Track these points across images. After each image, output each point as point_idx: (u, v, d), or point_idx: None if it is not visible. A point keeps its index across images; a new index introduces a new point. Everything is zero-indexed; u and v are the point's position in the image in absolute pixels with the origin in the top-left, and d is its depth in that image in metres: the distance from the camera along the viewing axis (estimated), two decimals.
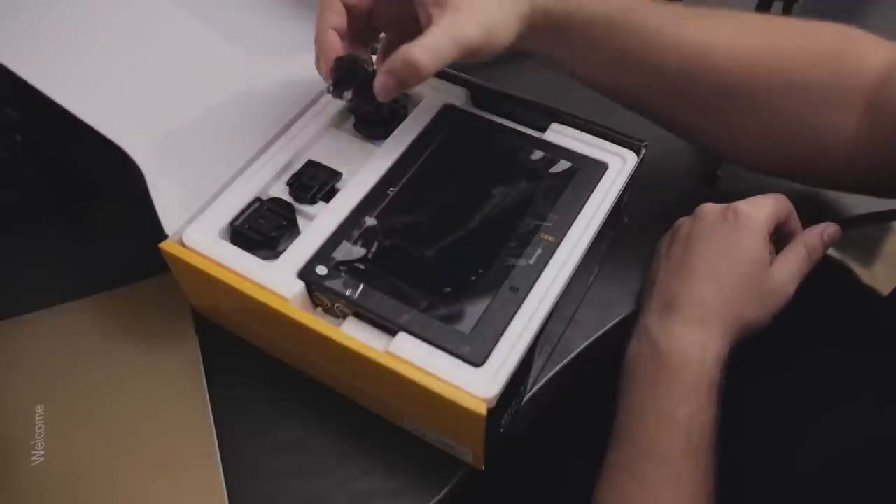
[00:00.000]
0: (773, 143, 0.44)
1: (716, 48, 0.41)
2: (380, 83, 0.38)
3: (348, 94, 0.42)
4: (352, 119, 0.48)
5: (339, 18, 0.40)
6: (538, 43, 0.43)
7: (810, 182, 0.47)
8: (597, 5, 0.41)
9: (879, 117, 0.40)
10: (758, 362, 0.45)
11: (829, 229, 0.44)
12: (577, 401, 0.49)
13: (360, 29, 0.42)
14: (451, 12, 0.36)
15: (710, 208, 0.43)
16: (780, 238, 0.44)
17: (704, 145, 0.48)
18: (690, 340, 0.40)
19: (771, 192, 0.44)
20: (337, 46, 0.40)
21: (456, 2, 0.36)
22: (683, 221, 0.45)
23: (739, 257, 0.41)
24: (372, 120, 0.47)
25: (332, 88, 0.42)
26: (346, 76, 0.41)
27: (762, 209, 0.43)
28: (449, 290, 0.38)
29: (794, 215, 0.45)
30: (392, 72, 0.37)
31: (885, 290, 0.58)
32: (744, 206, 0.43)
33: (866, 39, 0.42)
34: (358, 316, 0.38)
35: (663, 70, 0.42)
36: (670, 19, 0.42)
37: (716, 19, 0.43)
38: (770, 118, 0.42)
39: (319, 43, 0.40)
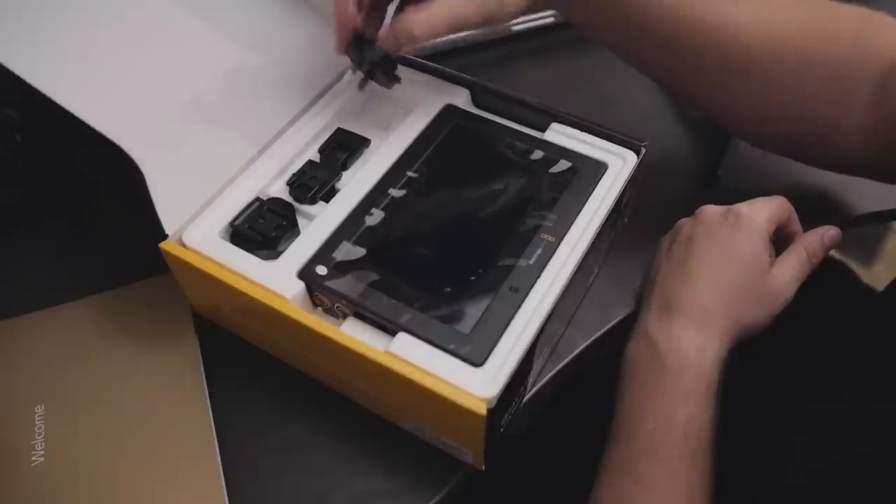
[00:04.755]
0: (782, 121, 0.43)
1: (732, 26, 0.41)
2: (381, 39, 0.42)
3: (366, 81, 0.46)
4: None
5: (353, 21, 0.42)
6: (553, 5, 0.44)
7: (815, 163, 0.47)
8: None
9: (891, 99, 0.39)
10: (758, 363, 0.45)
11: (829, 233, 0.44)
12: (577, 401, 0.49)
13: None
14: None
15: (710, 210, 0.43)
16: (780, 240, 0.44)
17: (711, 116, 0.48)
18: (690, 342, 0.40)
19: (772, 193, 0.44)
20: (353, 18, 0.42)
21: None
22: (684, 222, 0.45)
23: (740, 259, 0.41)
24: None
25: (356, 67, 0.45)
26: (364, 55, 0.44)
27: (762, 211, 0.43)
28: (449, 290, 0.38)
29: (795, 217, 0.45)
30: (393, 34, 0.41)
31: None
32: (744, 208, 0.43)
33: (891, 24, 0.41)
34: (358, 316, 0.38)
35: (677, 44, 0.42)
36: None
37: None
38: (782, 96, 0.42)
39: (338, 15, 0.42)
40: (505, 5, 0.40)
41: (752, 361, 0.43)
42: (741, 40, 0.41)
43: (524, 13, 0.41)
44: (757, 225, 0.42)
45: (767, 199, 0.44)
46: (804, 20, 0.41)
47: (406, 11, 0.40)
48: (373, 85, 0.47)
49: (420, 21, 0.39)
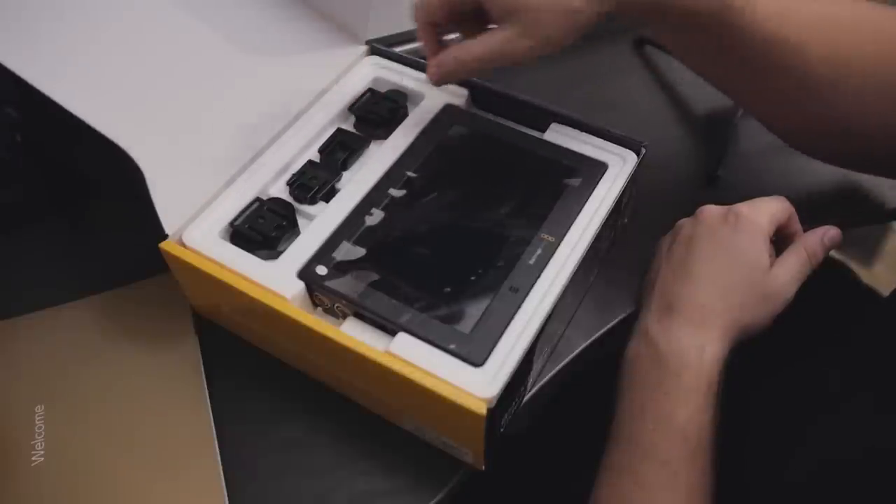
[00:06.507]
0: (848, 138, 0.43)
1: (806, 46, 0.41)
2: (430, 73, 0.43)
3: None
4: (352, 119, 0.48)
5: (434, 39, 0.43)
6: (624, 20, 0.43)
7: (872, 171, 0.47)
8: None
9: None
10: (758, 363, 0.45)
11: (829, 233, 0.44)
12: (577, 401, 0.49)
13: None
14: (510, 26, 0.39)
15: (711, 210, 0.43)
16: (780, 240, 0.44)
17: (776, 133, 0.48)
18: (690, 342, 0.40)
19: (772, 193, 0.44)
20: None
21: (518, 14, 0.38)
22: (684, 222, 0.45)
23: (740, 259, 0.41)
24: (373, 120, 0.47)
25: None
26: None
27: (763, 212, 0.43)
28: (449, 290, 0.38)
29: (795, 218, 0.45)
30: (440, 65, 0.42)
31: (886, 290, 0.58)
32: (745, 208, 0.43)
33: None
34: (358, 316, 0.38)
35: (749, 62, 0.42)
36: (762, 10, 0.40)
37: (810, 10, 0.42)
38: (851, 116, 0.42)
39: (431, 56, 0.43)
40: (553, 44, 0.39)
41: (752, 361, 0.43)
42: (806, 68, 0.41)
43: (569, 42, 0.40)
44: (757, 225, 0.42)
45: (768, 199, 0.44)
46: (872, 41, 0.41)
47: (455, 46, 0.41)
48: (373, 83, 0.47)
49: (467, 51, 0.41)
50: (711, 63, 0.45)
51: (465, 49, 0.41)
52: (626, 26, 0.45)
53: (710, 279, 0.41)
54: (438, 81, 0.44)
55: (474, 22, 0.41)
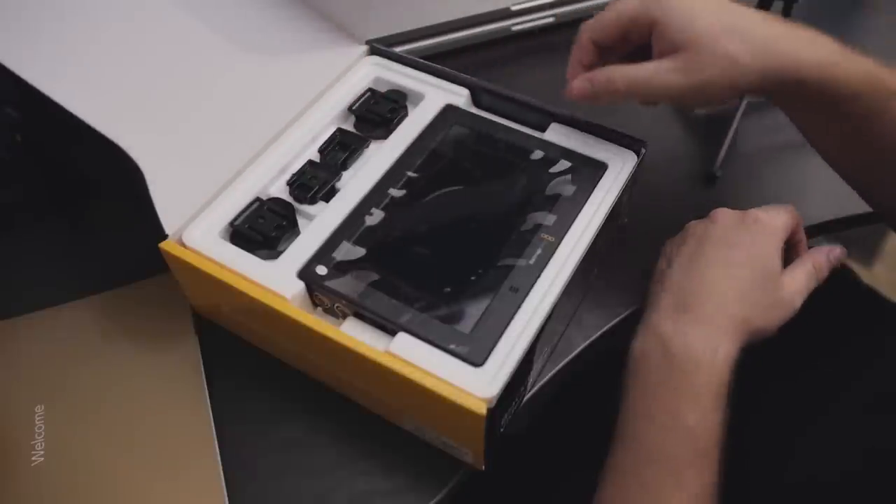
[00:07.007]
0: None
1: None
2: (576, 86, 0.42)
3: None
4: (352, 119, 0.48)
5: (588, 57, 0.42)
6: (769, 95, 0.41)
7: None
8: (851, 74, 0.38)
9: None
10: (760, 364, 0.45)
11: (834, 252, 0.45)
12: (577, 401, 0.49)
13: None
14: (670, 59, 0.38)
15: (726, 213, 0.43)
16: (785, 248, 0.44)
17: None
18: (703, 342, 0.39)
19: (770, 193, 0.44)
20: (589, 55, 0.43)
21: (682, 52, 0.38)
22: (695, 223, 0.45)
23: (756, 263, 0.41)
24: (372, 120, 0.47)
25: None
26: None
27: (779, 219, 0.43)
28: (449, 290, 0.38)
29: (801, 226, 0.45)
30: (591, 80, 0.41)
31: (886, 289, 0.58)
32: (762, 213, 0.43)
33: None
34: (358, 316, 0.38)
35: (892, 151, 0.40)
36: None
37: None
38: None
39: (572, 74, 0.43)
40: (708, 95, 0.39)
41: (755, 362, 0.43)
42: None
43: (725, 102, 0.39)
44: (774, 230, 0.42)
45: (781, 206, 0.44)
46: None
47: (612, 67, 0.40)
48: (373, 83, 0.47)
49: (622, 72, 0.39)
50: (849, 148, 0.43)
51: (620, 70, 0.40)
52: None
53: (727, 280, 0.41)
54: (583, 97, 0.42)
55: (632, 59, 0.40)
